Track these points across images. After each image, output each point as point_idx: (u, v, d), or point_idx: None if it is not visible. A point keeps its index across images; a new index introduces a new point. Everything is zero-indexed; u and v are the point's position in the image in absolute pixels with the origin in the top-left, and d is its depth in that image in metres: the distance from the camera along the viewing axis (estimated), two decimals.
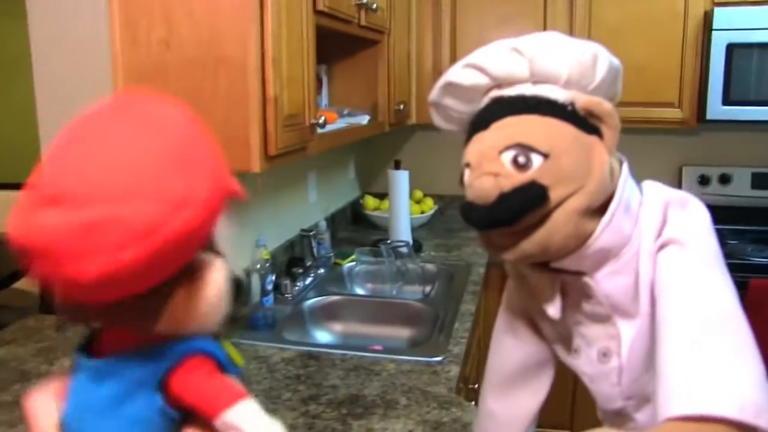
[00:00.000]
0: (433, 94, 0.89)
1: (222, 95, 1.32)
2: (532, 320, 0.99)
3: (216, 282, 0.46)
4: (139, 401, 0.45)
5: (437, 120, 0.93)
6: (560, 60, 0.76)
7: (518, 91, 0.77)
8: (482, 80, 0.80)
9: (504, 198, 0.72)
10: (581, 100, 0.75)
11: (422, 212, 2.85)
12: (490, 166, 0.74)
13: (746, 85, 2.36)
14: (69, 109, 1.47)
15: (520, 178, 0.72)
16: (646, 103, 2.48)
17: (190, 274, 0.45)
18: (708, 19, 2.37)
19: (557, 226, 0.72)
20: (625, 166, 0.80)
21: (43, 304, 2.48)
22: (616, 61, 0.81)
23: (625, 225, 0.76)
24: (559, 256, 0.76)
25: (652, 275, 0.75)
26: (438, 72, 2.67)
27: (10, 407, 1.23)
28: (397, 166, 2.50)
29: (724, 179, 2.76)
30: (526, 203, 0.72)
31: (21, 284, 2.83)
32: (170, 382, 0.45)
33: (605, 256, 0.76)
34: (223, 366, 0.48)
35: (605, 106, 0.75)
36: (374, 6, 1.93)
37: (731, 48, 2.34)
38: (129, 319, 0.45)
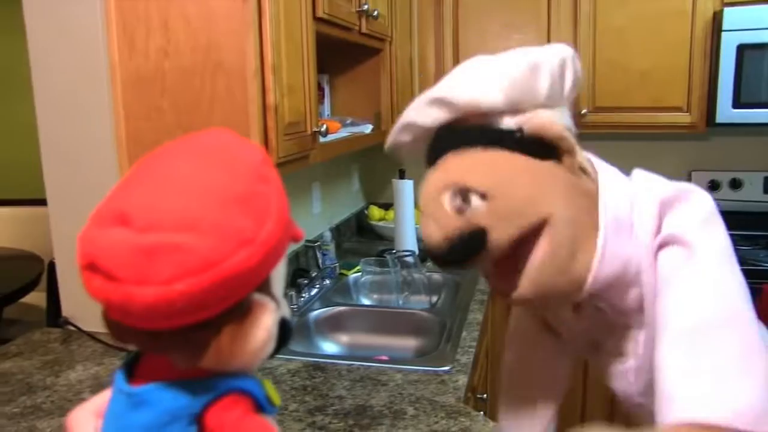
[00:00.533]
0: (391, 139, 0.88)
1: (221, 103, 1.31)
2: (546, 323, 0.97)
3: (264, 325, 0.46)
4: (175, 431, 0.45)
5: (404, 157, 0.90)
6: (488, 88, 0.71)
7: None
8: (426, 121, 0.78)
9: (446, 243, 0.70)
10: (529, 124, 0.71)
11: None
12: (432, 209, 0.72)
13: (757, 87, 2.31)
14: (69, 118, 1.49)
15: (458, 222, 0.70)
16: (654, 108, 2.45)
17: (240, 313, 0.45)
18: (717, 19, 2.33)
19: (534, 278, 0.70)
20: (604, 177, 0.75)
21: (50, 318, 2.48)
22: (555, 59, 0.74)
23: (621, 246, 0.72)
24: (560, 297, 0.73)
25: (654, 279, 0.72)
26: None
27: (17, 418, 1.23)
28: (402, 175, 2.48)
29: (735, 184, 2.71)
30: (466, 250, 0.69)
31: (28, 299, 2.83)
32: (206, 418, 0.45)
33: (610, 283, 0.73)
34: (261, 406, 0.48)
35: (554, 129, 0.71)
36: (375, 13, 1.92)
37: (742, 49, 2.30)
38: (173, 349, 0.44)
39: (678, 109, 2.46)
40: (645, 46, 2.42)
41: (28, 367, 1.45)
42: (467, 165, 0.71)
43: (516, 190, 0.69)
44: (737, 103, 2.34)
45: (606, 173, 0.76)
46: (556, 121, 0.72)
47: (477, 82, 0.72)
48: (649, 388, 0.80)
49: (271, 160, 0.48)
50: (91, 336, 1.57)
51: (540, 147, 0.71)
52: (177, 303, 0.40)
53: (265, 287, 0.47)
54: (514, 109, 0.72)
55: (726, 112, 2.36)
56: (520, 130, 0.71)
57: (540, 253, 0.69)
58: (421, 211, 0.75)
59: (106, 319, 0.45)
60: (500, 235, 0.69)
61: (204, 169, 0.45)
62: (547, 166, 0.71)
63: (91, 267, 0.42)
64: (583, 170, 0.73)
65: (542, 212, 0.69)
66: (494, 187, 0.69)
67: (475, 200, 0.69)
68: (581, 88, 0.81)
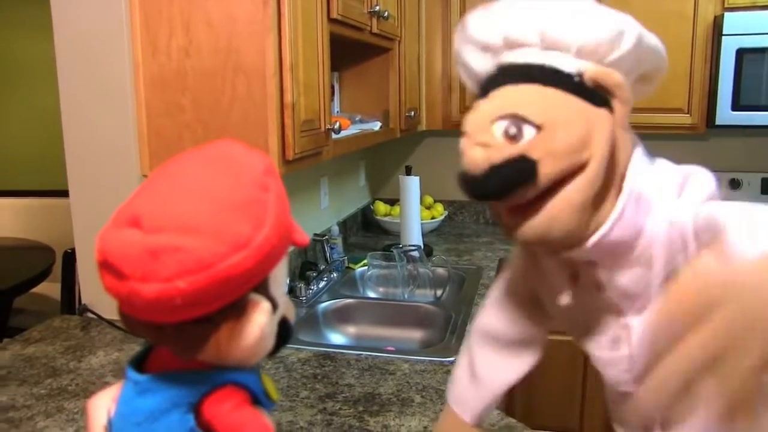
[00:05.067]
0: (456, 43, 0.84)
1: (240, 101, 1.36)
2: (528, 303, 0.96)
3: (257, 323, 0.48)
4: (173, 419, 0.48)
5: (462, 74, 0.87)
6: (574, 28, 0.72)
7: (525, 57, 0.74)
8: (493, 38, 0.77)
9: (492, 170, 0.69)
10: (590, 70, 0.72)
11: (433, 218, 2.88)
12: (481, 137, 0.71)
13: (756, 90, 2.36)
14: (92, 114, 1.53)
15: (510, 150, 0.68)
16: (654, 109, 2.50)
17: (237, 311, 0.48)
18: (718, 23, 2.38)
19: (556, 215, 0.69)
20: (638, 151, 0.76)
21: (63, 307, 2.52)
22: (651, 41, 0.76)
23: (638, 217, 0.73)
24: (562, 247, 0.74)
25: (666, 268, 0.73)
26: (447, 79, 2.70)
27: (45, 399, 1.29)
28: (408, 171, 2.53)
29: (734, 184, 2.77)
30: (513, 178, 0.68)
31: (38, 289, 2.88)
32: (203, 407, 0.48)
33: (615, 249, 0.74)
34: (258, 399, 0.51)
35: (614, 77, 0.71)
36: (386, 14, 1.96)
37: (741, 53, 2.35)
38: (175, 342, 0.48)
39: (678, 110, 2.51)
40: None
41: (51, 352, 1.51)
42: (525, 97, 0.71)
43: (572, 128, 0.69)
44: (736, 106, 2.39)
45: (639, 150, 0.77)
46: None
47: (569, 22, 0.72)
48: (646, 376, 0.81)
49: (276, 170, 0.51)
50: (111, 323, 1.62)
51: (595, 96, 0.71)
52: (176, 299, 0.44)
53: (262, 288, 0.49)
54: (581, 56, 0.72)
55: (725, 114, 2.41)
56: (579, 74, 0.71)
57: (571, 192, 0.69)
58: (466, 139, 0.73)
59: (120, 312, 0.49)
60: (550, 169, 0.68)
61: (210, 176, 0.48)
62: (600, 113, 0.71)
63: (104, 264, 0.46)
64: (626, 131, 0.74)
65: (581, 157, 0.69)
66: (550, 122, 0.68)
67: (528, 132, 0.68)
68: (653, 69, 0.83)
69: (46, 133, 3.78)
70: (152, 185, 0.49)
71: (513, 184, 0.68)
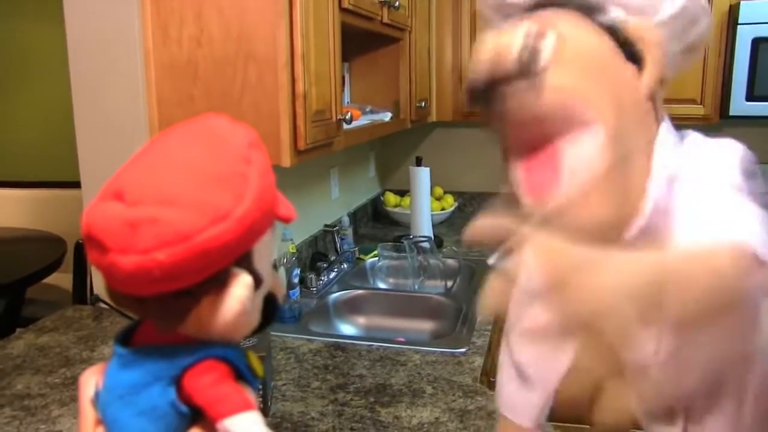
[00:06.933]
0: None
1: (252, 91, 1.36)
2: None
3: (235, 297, 0.48)
4: (154, 392, 0.48)
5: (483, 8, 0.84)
6: None
7: None
8: None
9: (498, 52, 0.66)
10: (631, 22, 0.69)
11: (443, 209, 2.87)
12: (502, 36, 0.68)
13: None
14: (103, 103, 1.54)
15: (524, 42, 0.66)
16: (666, 99, 2.44)
17: (218, 284, 0.47)
18: (733, 12, 2.35)
19: (581, 186, 0.66)
20: (665, 126, 0.74)
21: (75, 297, 2.54)
22: (701, 3, 0.73)
23: (670, 199, 0.69)
24: (603, 238, 0.68)
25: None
26: (458, 69, 2.69)
27: (60, 388, 1.30)
28: (419, 162, 2.52)
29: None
30: (518, 59, 0.65)
31: (51, 279, 2.90)
32: (184, 381, 0.48)
33: (651, 234, 0.70)
34: (242, 375, 0.50)
35: (654, 33, 0.69)
36: (396, 4, 1.95)
37: (757, 42, 2.32)
38: (156, 314, 0.48)
39: (692, 101, 2.49)
40: None
41: (64, 341, 1.52)
42: (558, 21, 0.69)
43: (592, 62, 0.67)
44: (751, 96, 2.37)
45: (665, 125, 0.75)
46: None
47: None
48: (667, 356, 0.80)
49: (261, 144, 0.50)
50: (123, 313, 1.62)
51: (629, 49, 0.69)
52: (154, 271, 0.43)
53: (245, 262, 0.49)
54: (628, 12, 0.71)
55: (739, 104, 2.38)
56: (621, 22, 0.70)
57: (589, 155, 0.66)
58: (479, 48, 0.70)
59: (105, 287, 0.49)
60: (557, 79, 0.65)
61: (192, 149, 0.48)
62: (628, 69, 0.69)
63: (88, 237, 0.46)
64: (653, 100, 0.72)
65: (600, 111, 0.66)
66: (571, 46, 0.66)
67: (549, 42, 0.66)
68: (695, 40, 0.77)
69: (56, 123, 3.79)
70: (137, 159, 0.49)
71: (517, 68, 0.65)
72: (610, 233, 0.69)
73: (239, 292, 0.48)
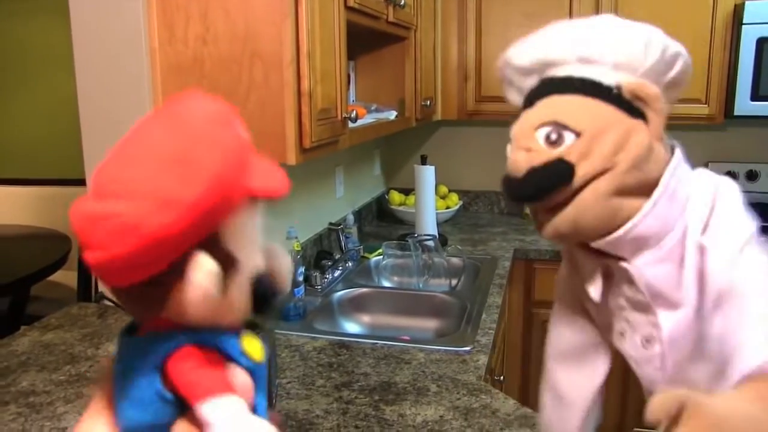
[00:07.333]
0: (501, 72, 0.91)
1: (257, 89, 1.36)
2: (580, 309, 0.99)
3: (194, 282, 0.46)
4: (142, 380, 0.47)
5: (509, 95, 0.93)
6: (609, 43, 0.77)
7: (567, 71, 0.79)
8: (534, 62, 0.83)
9: (532, 172, 0.74)
10: (627, 83, 0.76)
11: (447, 207, 2.87)
12: (525, 142, 0.76)
13: None
14: (109, 104, 1.54)
15: (550, 154, 0.74)
16: None
17: (182, 271, 0.46)
18: (738, 12, 2.35)
19: (586, 204, 0.74)
20: (678, 153, 0.81)
21: (79, 295, 2.55)
22: (675, 48, 0.81)
23: (670, 213, 0.77)
24: (594, 236, 0.77)
25: (701, 265, 0.75)
26: (463, 68, 2.69)
27: (65, 386, 1.30)
28: (424, 161, 2.52)
29: (752, 176, 2.74)
30: (551, 178, 0.73)
31: (56, 277, 2.90)
32: (167, 366, 0.47)
33: (645, 242, 0.77)
34: (234, 360, 0.49)
35: (650, 89, 0.76)
36: (402, 2, 1.95)
37: (762, 42, 2.32)
38: (134, 303, 0.47)
39: (696, 100, 2.49)
40: None
41: (69, 338, 1.52)
42: (566, 106, 0.76)
43: (607, 136, 0.74)
44: (756, 96, 2.36)
45: (678, 152, 0.82)
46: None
47: (604, 38, 0.78)
48: (678, 375, 0.83)
49: (232, 120, 0.47)
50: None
51: (631, 107, 0.76)
52: (113, 265, 0.43)
53: (211, 244, 0.47)
54: (618, 69, 0.78)
55: (744, 104, 2.38)
56: (618, 87, 0.76)
57: (599, 182, 0.73)
58: (512, 144, 0.79)
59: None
60: (585, 171, 0.73)
61: (153, 134, 0.46)
62: (635, 123, 0.76)
63: (75, 234, 0.46)
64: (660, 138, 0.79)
65: (616, 161, 0.74)
66: (589, 130, 0.74)
67: (568, 137, 0.74)
68: (677, 81, 0.86)
69: (62, 121, 3.80)
70: (115, 150, 0.48)
71: (550, 185, 0.74)
72: (601, 230, 0.77)
73: (197, 277, 0.46)
